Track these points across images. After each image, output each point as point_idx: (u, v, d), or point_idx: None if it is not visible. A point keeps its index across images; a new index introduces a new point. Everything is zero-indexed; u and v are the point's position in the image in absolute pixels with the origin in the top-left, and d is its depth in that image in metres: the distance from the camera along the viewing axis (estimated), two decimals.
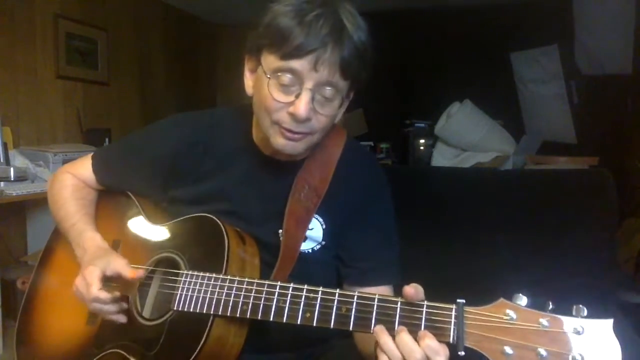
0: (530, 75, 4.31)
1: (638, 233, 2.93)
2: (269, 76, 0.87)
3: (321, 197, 0.98)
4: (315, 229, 1.00)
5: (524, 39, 4.17)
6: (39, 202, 2.83)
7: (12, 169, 2.70)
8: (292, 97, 0.87)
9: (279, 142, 0.91)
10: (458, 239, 1.66)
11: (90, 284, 0.95)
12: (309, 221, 0.98)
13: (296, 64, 0.84)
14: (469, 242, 1.64)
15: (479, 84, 3.84)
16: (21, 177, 2.71)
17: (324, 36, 0.83)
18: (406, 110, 4.49)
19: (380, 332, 0.74)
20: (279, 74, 0.86)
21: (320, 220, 1.00)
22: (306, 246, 1.00)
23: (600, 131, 3.88)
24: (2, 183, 2.63)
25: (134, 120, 4.21)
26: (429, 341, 0.71)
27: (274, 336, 1.00)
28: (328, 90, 0.87)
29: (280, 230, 0.98)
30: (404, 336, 0.72)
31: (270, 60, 0.87)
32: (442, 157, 3.88)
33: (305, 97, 0.85)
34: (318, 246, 1.01)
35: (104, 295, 0.95)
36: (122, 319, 0.98)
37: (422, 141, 4.16)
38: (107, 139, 3.51)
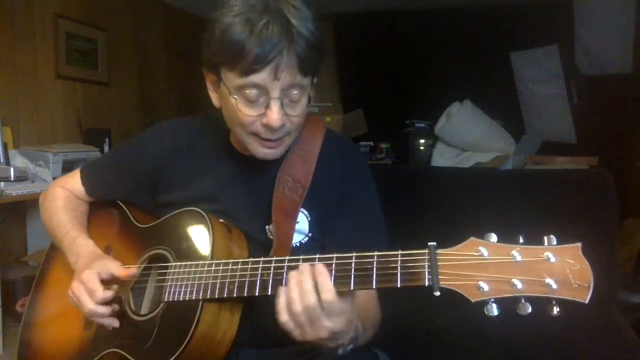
0: (530, 75, 4.31)
1: (638, 233, 2.94)
2: (235, 97, 0.88)
3: (306, 189, 0.99)
4: (301, 222, 1.01)
5: (524, 39, 4.18)
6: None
7: (12, 169, 2.70)
8: (261, 108, 0.88)
9: (259, 151, 0.93)
10: (457, 239, 1.66)
11: (93, 289, 0.96)
12: (296, 214, 0.99)
13: (257, 78, 0.85)
14: None
15: (479, 84, 3.84)
16: (21, 177, 2.71)
17: (276, 43, 0.83)
18: (406, 110, 4.49)
19: (292, 274, 0.80)
20: (244, 90, 0.87)
21: (305, 212, 1.01)
22: (294, 240, 1.01)
23: (600, 131, 3.89)
24: (2, 183, 2.63)
25: (134, 120, 4.22)
26: (330, 297, 0.75)
27: (269, 330, 1.00)
28: (294, 93, 0.88)
29: (267, 227, 0.99)
30: (307, 280, 0.77)
31: (231, 78, 0.88)
32: (442, 157, 3.88)
33: (274, 106, 0.87)
34: (305, 239, 1.02)
35: (109, 294, 0.96)
36: (115, 323, 0.99)
37: (422, 141, 4.16)
38: (107, 139, 3.51)
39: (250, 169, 1.03)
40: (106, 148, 3.47)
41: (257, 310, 0.97)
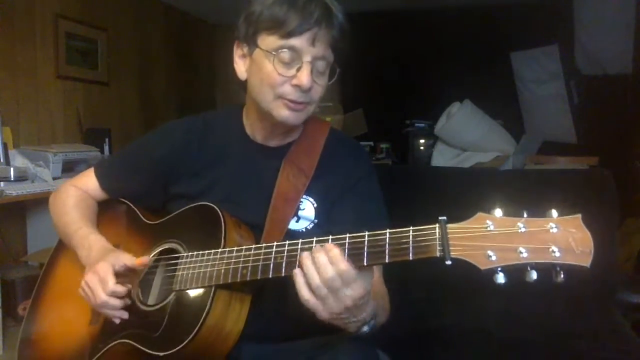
0: (530, 75, 4.31)
1: (638, 233, 2.93)
2: (270, 51, 0.96)
3: (309, 178, 1.05)
4: (307, 208, 1.05)
5: (524, 39, 4.17)
6: (39, 202, 2.83)
7: (12, 169, 2.70)
8: (293, 71, 0.96)
9: (283, 114, 0.99)
10: None
11: (106, 280, 0.97)
12: (297, 199, 1.04)
13: (296, 41, 0.95)
14: None
15: (479, 84, 3.84)
16: (21, 177, 2.71)
17: (317, 17, 0.94)
18: (406, 110, 4.49)
19: (305, 255, 0.82)
20: (280, 51, 0.95)
21: (311, 200, 1.06)
22: (299, 226, 1.04)
23: (600, 131, 3.88)
24: (2, 183, 2.62)
25: (134, 120, 4.22)
26: (344, 266, 0.79)
27: (274, 325, 1.02)
28: (321, 63, 0.98)
29: (270, 208, 1.03)
30: (320, 256, 0.80)
31: (270, 41, 0.97)
32: (442, 157, 3.89)
33: (306, 69, 0.96)
34: (311, 225, 1.05)
35: (120, 289, 0.98)
36: (125, 315, 1.00)
37: (422, 141, 4.17)
38: (107, 139, 3.51)
39: (260, 157, 1.09)
40: (106, 148, 3.47)
41: (264, 305, 0.99)
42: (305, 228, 1.05)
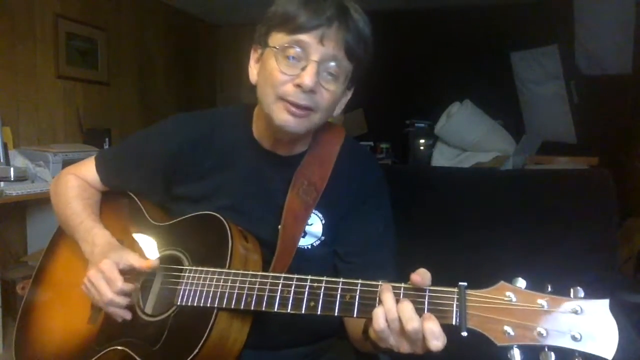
0: (530, 75, 4.31)
1: (638, 233, 2.94)
2: (277, 47, 0.91)
3: (320, 193, 1.00)
4: (315, 224, 1.01)
5: (524, 39, 4.17)
6: (39, 202, 2.83)
7: (12, 169, 2.70)
8: (298, 70, 0.90)
9: (283, 117, 0.92)
10: (457, 239, 1.66)
11: (113, 278, 0.95)
12: (307, 217, 0.99)
13: (304, 37, 0.89)
14: (468, 242, 1.64)
15: (479, 84, 3.84)
16: (21, 177, 2.71)
17: (329, 15, 0.88)
18: (406, 110, 4.49)
19: (386, 289, 0.75)
20: (286, 45, 0.90)
21: (320, 215, 1.01)
22: (306, 242, 1.01)
23: (600, 131, 3.88)
24: (2, 183, 2.63)
25: (134, 120, 4.21)
26: (432, 325, 0.72)
27: (275, 333, 1.00)
28: (332, 66, 0.91)
29: (280, 227, 0.99)
30: (407, 304, 0.73)
31: (278, 38, 0.92)
32: (442, 157, 3.88)
33: (311, 68, 0.89)
34: (317, 242, 1.01)
35: (128, 287, 0.95)
36: (127, 315, 0.98)
37: (422, 141, 4.16)
38: (107, 139, 3.51)
39: (269, 166, 1.03)
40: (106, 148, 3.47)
41: (265, 314, 0.96)
42: (311, 245, 1.01)
